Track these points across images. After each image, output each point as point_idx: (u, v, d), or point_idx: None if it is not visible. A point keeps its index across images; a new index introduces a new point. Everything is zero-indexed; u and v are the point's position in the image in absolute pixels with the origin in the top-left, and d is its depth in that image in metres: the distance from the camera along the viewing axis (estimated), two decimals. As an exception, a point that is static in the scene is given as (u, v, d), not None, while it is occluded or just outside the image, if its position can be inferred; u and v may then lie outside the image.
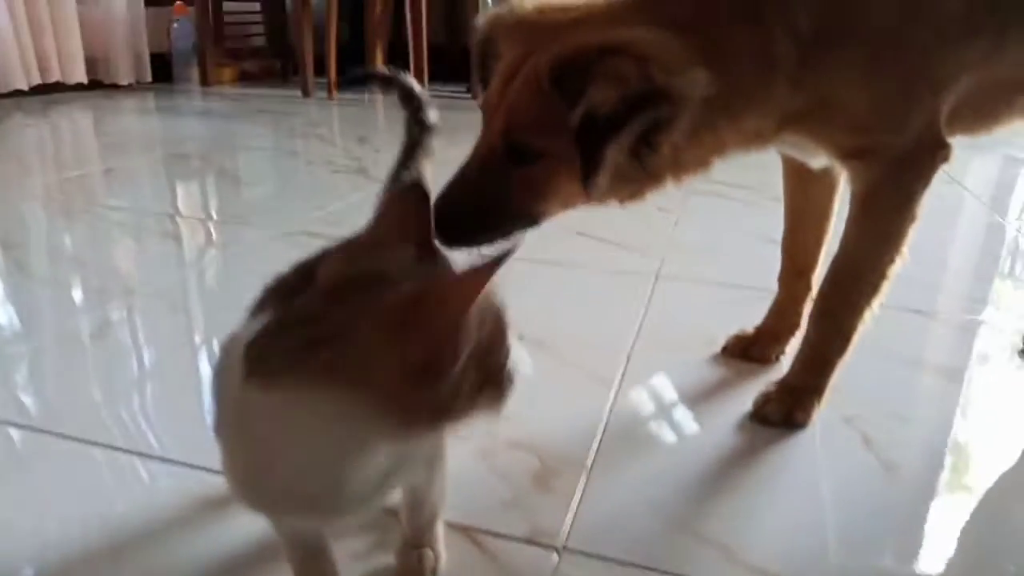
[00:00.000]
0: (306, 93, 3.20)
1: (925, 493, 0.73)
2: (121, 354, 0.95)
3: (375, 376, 0.38)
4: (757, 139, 0.74)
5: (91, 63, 3.01)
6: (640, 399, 0.88)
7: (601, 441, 0.78)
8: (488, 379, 0.42)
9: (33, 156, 2.11)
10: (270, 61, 3.95)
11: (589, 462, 0.75)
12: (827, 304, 0.81)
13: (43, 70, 2.78)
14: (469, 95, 3.36)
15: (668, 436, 0.81)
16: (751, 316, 1.08)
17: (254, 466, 0.42)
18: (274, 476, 0.42)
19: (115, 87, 3.15)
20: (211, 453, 0.45)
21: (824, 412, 0.83)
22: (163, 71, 3.39)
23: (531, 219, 0.72)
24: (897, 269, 0.79)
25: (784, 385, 0.83)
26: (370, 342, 0.38)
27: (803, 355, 0.83)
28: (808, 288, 0.95)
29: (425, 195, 0.46)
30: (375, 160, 2.09)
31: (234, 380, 0.40)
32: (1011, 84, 0.77)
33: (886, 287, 0.79)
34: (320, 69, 3.19)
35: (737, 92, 0.67)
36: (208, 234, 1.49)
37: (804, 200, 0.93)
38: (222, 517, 0.64)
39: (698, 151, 0.71)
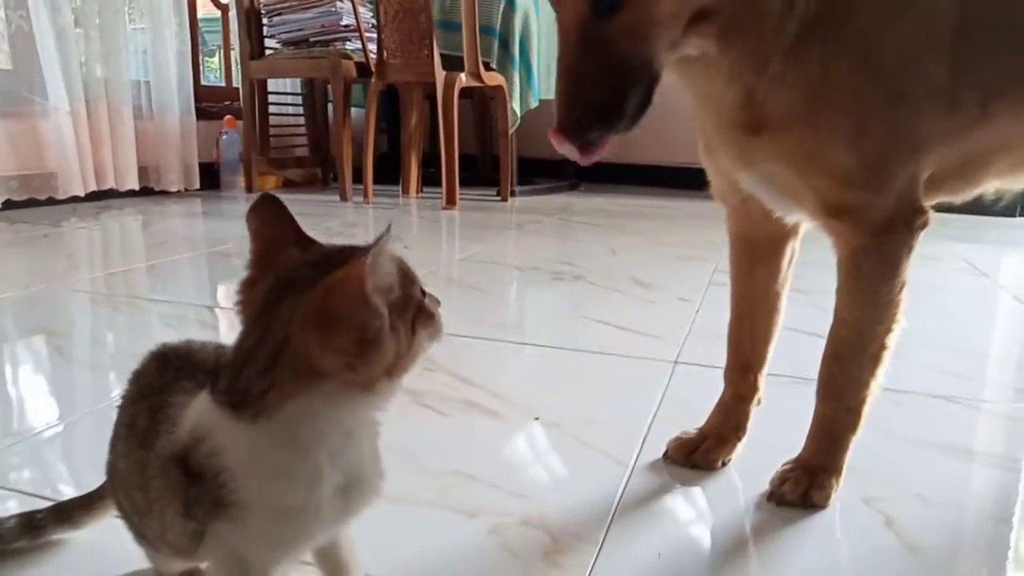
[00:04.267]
0: (344, 197, 3.35)
1: (950, 573, 0.70)
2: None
3: (329, 371, 0.44)
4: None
5: (143, 172, 3.20)
6: (654, 479, 0.87)
7: (613, 519, 0.77)
8: (417, 316, 0.48)
9: (83, 254, 2.23)
10: (312, 170, 4.16)
11: (600, 540, 0.73)
12: (830, 379, 0.80)
13: (99, 179, 2.97)
14: (499, 198, 3.49)
15: (682, 515, 0.80)
16: (769, 401, 1.07)
17: (270, 499, 0.46)
18: (285, 500, 0.46)
19: (165, 193, 3.34)
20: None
21: (843, 493, 0.81)
22: (211, 179, 3.60)
23: (649, 71, 0.66)
24: (896, 337, 0.78)
25: (799, 464, 0.82)
26: (308, 347, 0.44)
27: (814, 433, 0.82)
28: (755, 388, 0.91)
29: (277, 200, 0.51)
30: (406, 256, 2.16)
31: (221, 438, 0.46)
32: (993, 150, 0.77)
33: (888, 357, 0.78)
34: (358, 177, 3.36)
35: None
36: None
37: (751, 285, 0.89)
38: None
39: None
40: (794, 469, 0.81)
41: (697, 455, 0.89)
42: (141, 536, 0.57)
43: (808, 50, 0.68)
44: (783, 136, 0.71)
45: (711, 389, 1.16)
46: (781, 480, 0.81)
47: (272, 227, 0.50)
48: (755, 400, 0.92)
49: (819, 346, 1.33)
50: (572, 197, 3.76)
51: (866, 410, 0.79)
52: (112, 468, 0.58)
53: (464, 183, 3.30)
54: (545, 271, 1.97)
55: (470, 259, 2.14)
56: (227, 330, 1.49)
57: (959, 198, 0.82)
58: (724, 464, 0.89)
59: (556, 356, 1.31)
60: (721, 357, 1.29)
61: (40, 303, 1.59)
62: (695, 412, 1.05)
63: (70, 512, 0.68)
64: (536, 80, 3.48)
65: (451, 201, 3.18)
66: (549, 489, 0.84)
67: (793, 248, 0.90)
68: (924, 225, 0.75)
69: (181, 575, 0.60)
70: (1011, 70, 0.72)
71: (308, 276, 0.46)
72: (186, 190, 3.43)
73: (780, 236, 0.87)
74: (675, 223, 2.93)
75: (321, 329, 0.43)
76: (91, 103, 2.93)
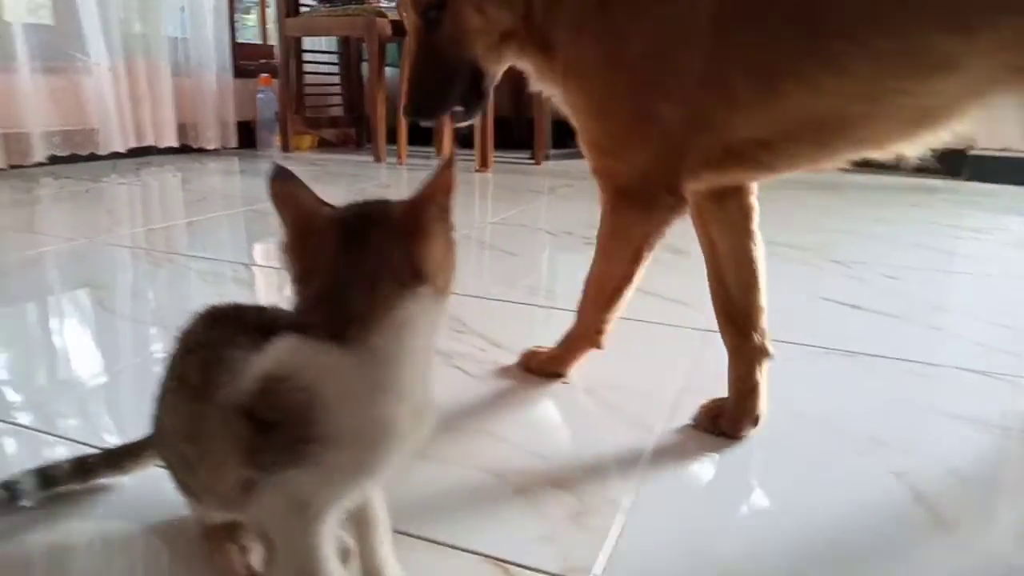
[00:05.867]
0: (378, 158, 3.36)
1: (982, 549, 0.70)
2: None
3: (427, 278, 0.49)
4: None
5: (181, 129, 3.25)
6: (681, 446, 0.87)
7: (640, 483, 0.78)
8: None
9: (124, 209, 2.27)
10: (346, 129, 4.17)
11: (627, 502, 0.74)
12: (582, 302, 1.00)
13: (139, 135, 3.02)
14: (532, 161, 3.47)
15: (708, 482, 0.80)
16: (802, 371, 1.07)
17: (362, 420, 0.48)
18: (377, 415, 0.48)
19: (202, 151, 3.38)
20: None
21: (872, 465, 0.80)
22: (247, 137, 3.63)
23: (474, 69, 0.89)
24: (629, 291, 0.96)
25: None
26: (413, 257, 0.48)
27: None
28: (758, 349, 0.90)
29: (290, 172, 0.52)
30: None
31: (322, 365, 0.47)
32: (804, 126, 0.78)
33: (626, 300, 0.97)
34: (392, 137, 3.36)
35: None
36: (280, 282, 1.57)
37: (709, 242, 0.91)
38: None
39: None
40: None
41: (723, 422, 0.89)
42: (185, 487, 0.59)
43: (576, 51, 0.84)
44: (573, 117, 0.88)
45: (742, 358, 1.15)
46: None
47: (296, 189, 0.51)
48: (760, 358, 0.91)
49: (859, 318, 1.32)
50: (606, 161, 3.72)
51: (606, 334, 1.01)
52: (159, 423, 0.60)
53: (498, 146, 3.28)
54: (577, 236, 1.96)
55: (503, 223, 2.14)
56: (263, 286, 1.52)
57: (779, 171, 0.83)
58: (751, 428, 0.89)
59: (586, 321, 1.31)
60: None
61: (83, 257, 1.64)
62: (725, 381, 1.05)
63: (119, 458, 0.71)
64: (573, 40, 3.42)
65: (484, 164, 3.16)
66: (576, 452, 0.85)
67: (742, 203, 0.90)
68: (673, 209, 0.84)
69: (221, 525, 0.63)
70: (792, 49, 0.74)
71: (382, 209, 0.50)
72: (223, 148, 3.47)
73: (719, 194, 0.89)
74: (711, 189, 2.89)
75: (422, 238, 0.48)
76: (130, 59, 2.96)
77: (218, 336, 0.54)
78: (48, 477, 0.70)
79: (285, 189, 0.51)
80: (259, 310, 0.57)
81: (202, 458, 0.53)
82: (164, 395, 0.59)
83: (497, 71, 0.92)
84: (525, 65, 0.92)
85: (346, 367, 0.47)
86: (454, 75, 0.88)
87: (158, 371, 0.60)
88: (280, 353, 0.49)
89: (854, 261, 1.77)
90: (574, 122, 0.88)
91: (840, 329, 1.29)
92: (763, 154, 0.80)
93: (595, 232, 0.94)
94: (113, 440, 0.82)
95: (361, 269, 0.48)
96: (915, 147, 0.79)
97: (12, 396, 0.95)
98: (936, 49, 0.70)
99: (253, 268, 1.65)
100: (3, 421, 0.87)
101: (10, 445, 0.83)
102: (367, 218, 0.50)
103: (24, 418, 0.89)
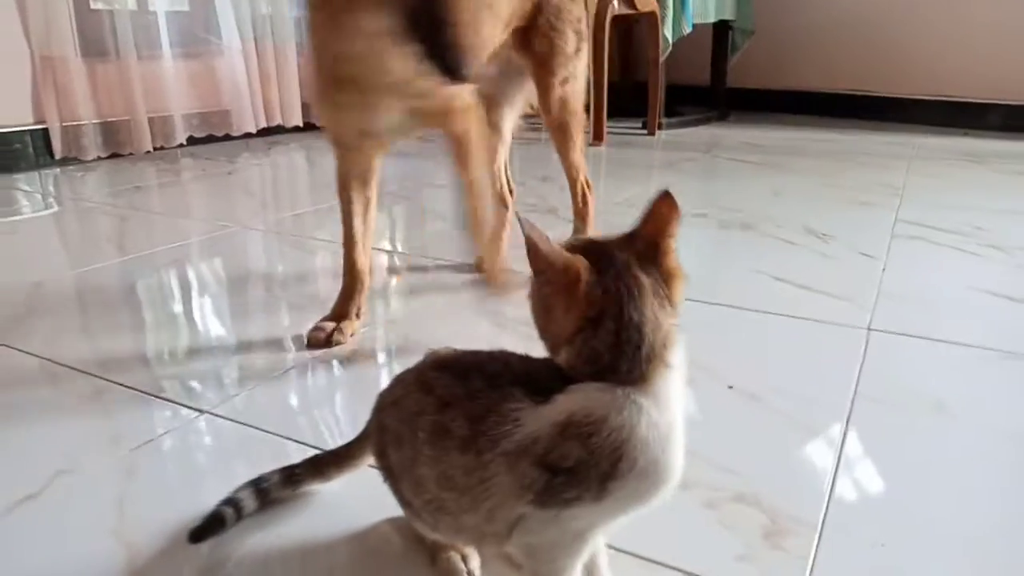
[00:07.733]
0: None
1: None
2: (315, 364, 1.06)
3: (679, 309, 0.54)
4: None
5: (306, 108, 3.35)
6: (867, 462, 0.85)
7: (829, 503, 0.77)
8: None
9: (257, 191, 2.39)
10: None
11: (819, 523, 0.74)
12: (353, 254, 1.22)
13: (268, 115, 3.15)
14: (645, 131, 3.39)
15: (903, 503, 0.78)
16: (984, 380, 1.02)
17: (664, 450, 0.51)
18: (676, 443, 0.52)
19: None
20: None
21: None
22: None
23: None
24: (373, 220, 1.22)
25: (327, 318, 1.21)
26: (675, 295, 0.53)
27: (339, 295, 1.23)
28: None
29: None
30: (561, 199, 2.15)
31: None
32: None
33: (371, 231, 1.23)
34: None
35: None
36: (393, 264, 1.63)
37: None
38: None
39: None
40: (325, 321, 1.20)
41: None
42: (424, 521, 0.61)
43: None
44: None
45: (914, 361, 1.10)
46: (315, 330, 1.18)
47: (550, 244, 0.53)
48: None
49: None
50: (721, 129, 3.59)
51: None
52: (402, 472, 0.61)
53: (609, 114, 3.21)
54: (712, 219, 1.90)
55: (627, 202, 2.11)
56: (378, 268, 1.58)
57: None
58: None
59: (735, 316, 1.29)
60: (918, 325, 1.22)
61: (235, 241, 1.74)
62: (900, 387, 1.01)
63: (322, 467, 0.76)
64: (691, 2, 3.29)
65: (599, 136, 3.12)
66: (758, 464, 0.84)
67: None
68: (359, 152, 1.18)
69: (448, 546, 0.66)
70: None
71: (641, 252, 0.53)
72: (341, 124, 3.57)
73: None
74: (842, 160, 2.74)
75: (679, 275, 0.54)
76: (259, 41, 3.07)
77: (478, 388, 0.55)
78: (261, 490, 0.75)
79: (545, 246, 0.51)
80: (501, 360, 0.57)
81: (473, 504, 0.54)
82: (402, 445, 0.60)
83: None
84: None
85: (651, 405, 0.50)
86: None
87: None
88: (576, 405, 0.50)
89: (1017, 247, 1.64)
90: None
91: (1016, 329, 1.21)
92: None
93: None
94: (314, 432, 0.88)
95: (646, 312, 0.51)
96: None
97: (201, 386, 1.03)
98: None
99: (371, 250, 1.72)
100: (194, 408, 0.95)
101: (203, 432, 0.91)
102: (631, 262, 0.52)
103: (224, 409, 0.96)
